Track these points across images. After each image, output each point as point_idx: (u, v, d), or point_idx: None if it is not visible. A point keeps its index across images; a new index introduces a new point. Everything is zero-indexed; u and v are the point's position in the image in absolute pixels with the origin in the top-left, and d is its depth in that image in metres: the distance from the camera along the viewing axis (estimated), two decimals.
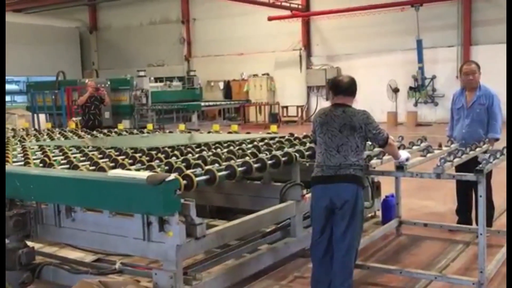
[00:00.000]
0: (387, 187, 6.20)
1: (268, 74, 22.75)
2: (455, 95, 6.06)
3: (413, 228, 5.94)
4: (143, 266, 4.38)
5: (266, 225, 5.06)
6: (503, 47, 17.84)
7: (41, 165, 4.89)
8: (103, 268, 4.34)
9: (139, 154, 5.32)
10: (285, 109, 22.14)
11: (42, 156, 5.36)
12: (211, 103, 21.47)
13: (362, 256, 5.10)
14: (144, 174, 3.82)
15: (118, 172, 4.08)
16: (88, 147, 6.08)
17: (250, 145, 5.81)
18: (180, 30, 25.56)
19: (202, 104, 20.51)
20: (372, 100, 19.98)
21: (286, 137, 6.34)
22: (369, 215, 6.37)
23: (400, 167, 4.40)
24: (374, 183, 6.19)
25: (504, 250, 4.81)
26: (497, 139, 5.72)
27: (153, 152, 5.34)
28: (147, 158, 5.11)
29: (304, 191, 4.98)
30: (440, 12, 18.87)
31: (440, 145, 5.36)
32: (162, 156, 5.18)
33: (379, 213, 6.33)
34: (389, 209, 6.10)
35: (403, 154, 4.38)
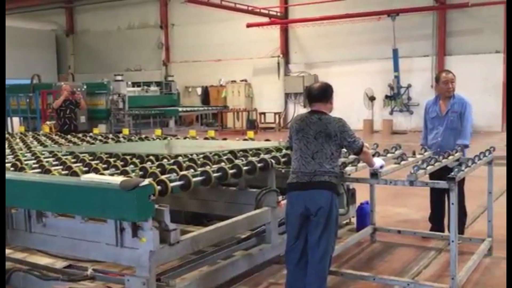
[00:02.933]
0: (362, 194, 6.25)
1: (246, 81, 22.79)
2: (428, 104, 6.14)
3: (387, 235, 5.99)
4: (115, 272, 4.32)
5: (241, 231, 5.04)
6: (476, 57, 18.29)
7: (12, 168, 4.80)
8: (75, 275, 4.27)
9: (114, 159, 5.26)
10: (262, 116, 22.18)
11: (13, 160, 5.26)
12: (188, 109, 21.39)
13: (336, 262, 5.13)
14: (117, 179, 3.78)
15: (91, 177, 4.02)
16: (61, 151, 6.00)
17: (226, 151, 5.80)
18: (158, 35, 25.45)
19: (180, 109, 20.40)
20: (349, 108, 20.18)
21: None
22: (344, 222, 6.40)
23: (375, 174, 4.44)
24: (349, 190, 6.23)
25: (475, 257, 4.88)
26: (466, 146, 5.81)
27: (128, 157, 5.29)
28: (122, 163, 5.06)
29: (280, 198, 4.99)
30: (415, 22, 19.17)
31: (414, 153, 5.42)
32: (137, 161, 5.14)
33: (354, 220, 6.37)
34: (364, 216, 6.14)
35: (378, 161, 4.42)
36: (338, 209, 4.17)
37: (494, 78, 18.24)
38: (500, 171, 9.37)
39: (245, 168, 4.87)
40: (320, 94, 4.20)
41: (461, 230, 5.60)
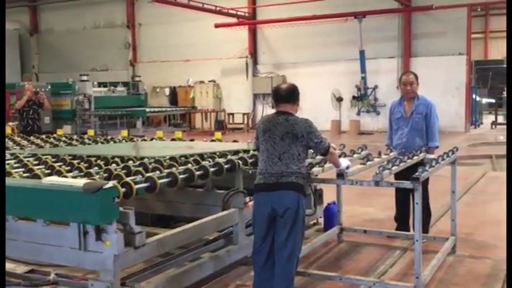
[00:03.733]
0: (329, 194, 6.29)
1: (214, 81, 22.73)
2: (393, 105, 6.22)
3: (353, 235, 6.04)
4: (79, 276, 4.23)
5: (208, 233, 5.01)
6: (441, 59, 18.67)
7: None
8: (36, 280, 4.17)
9: (77, 161, 5.15)
10: (231, 116, 22.15)
11: None
12: (156, 109, 21.22)
13: (303, 263, 5.14)
14: (80, 182, 3.70)
15: (53, 180, 3.92)
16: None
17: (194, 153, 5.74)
18: (125, 35, 25.15)
19: (147, 110, 20.22)
20: (317, 109, 20.35)
21: None
22: (311, 222, 6.43)
23: (341, 175, 4.46)
24: (316, 191, 6.26)
25: (439, 255, 4.96)
26: (436, 147, 5.91)
27: (92, 159, 5.18)
28: (86, 165, 4.96)
29: (247, 199, 4.98)
30: (382, 24, 19.46)
31: (379, 153, 5.48)
32: (101, 163, 5.04)
33: (321, 220, 6.40)
34: (331, 216, 6.18)
35: (344, 162, 4.45)
36: (305, 210, 4.18)
37: (457, 80, 18.67)
38: (463, 171, 9.61)
39: (212, 169, 4.83)
40: (287, 95, 4.20)
41: (425, 229, 5.69)
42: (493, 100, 23.36)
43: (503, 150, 13.95)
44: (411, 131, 5.95)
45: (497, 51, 34.94)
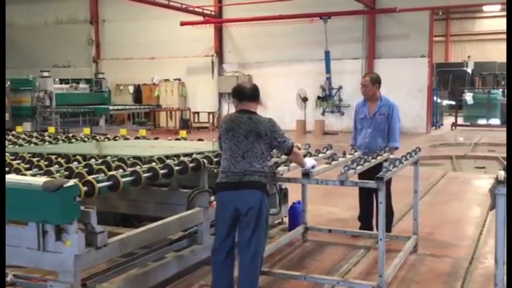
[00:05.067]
0: (295, 194, 6.30)
1: (179, 80, 22.53)
2: (358, 105, 6.30)
3: (318, 234, 6.08)
4: (37, 278, 4.10)
5: (172, 233, 4.95)
6: (404, 61, 19.00)
7: None
8: None
9: (37, 159, 5.01)
10: (196, 115, 22.01)
11: None
12: (120, 107, 20.88)
13: (268, 262, 5.14)
14: (40, 180, 3.60)
15: (12, 178, 3.80)
16: None
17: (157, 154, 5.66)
18: (88, 31, 24.66)
19: (111, 108, 19.89)
20: (282, 108, 20.45)
21: None
22: (276, 221, 6.45)
23: (306, 174, 4.47)
24: (281, 190, 6.26)
25: (401, 254, 5.03)
26: (396, 148, 6.00)
27: (53, 157, 5.05)
28: (46, 163, 4.83)
29: (212, 198, 4.92)
30: (347, 26, 19.66)
31: (344, 153, 5.52)
32: (62, 161, 4.92)
33: (286, 219, 6.41)
34: (296, 215, 6.20)
35: (309, 161, 4.46)
36: (268, 209, 4.17)
37: (419, 82, 19.03)
38: (425, 171, 9.80)
39: (176, 168, 4.77)
40: (252, 93, 4.20)
41: (388, 228, 5.77)
42: (453, 102, 23.90)
43: (462, 151, 14.33)
44: (374, 131, 6.03)
45: (458, 54, 35.88)
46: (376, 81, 6.06)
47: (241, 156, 4.00)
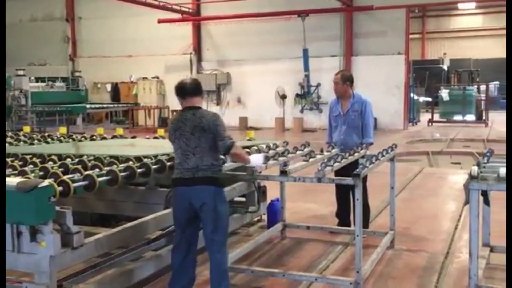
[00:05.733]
0: (274, 191, 6.32)
1: (158, 78, 22.38)
2: (332, 103, 6.37)
3: (296, 231, 6.10)
4: (12, 279, 4.04)
5: (150, 232, 4.92)
6: (381, 58, 19.16)
7: None
8: None
9: (11, 159, 4.93)
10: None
11: None
12: (97, 106, 20.66)
13: (247, 260, 5.16)
14: (14, 180, 3.55)
15: None
16: None
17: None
18: (64, 29, 24.34)
19: (88, 106, 19.67)
20: (261, 106, 20.49)
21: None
22: (255, 219, 6.46)
23: (284, 172, 4.49)
24: (260, 188, 6.28)
25: (378, 250, 5.08)
26: (371, 144, 6.05)
27: (28, 157, 4.98)
28: (20, 163, 4.76)
29: None
30: (325, 23, 19.75)
31: (321, 150, 5.56)
32: (37, 161, 4.85)
33: (265, 217, 6.43)
34: (275, 213, 6.21)
35: (255, 158, 4.41)
36: (225, 202, 4.18)
37: (397, 79, 19.22)
38: (402, 167, 9.92)
39: (154, 167, 4.75)
40: (194, 88, 4.20)
41: (365, 224, 5.84)
42: (429, 99, 24.21)
43: (439, 147, 14.53)
44: (348, 128, 6.09)
45: (434, 51, 36.34)
46: (347, 79, 6.13)
47: (191, 153, 4.01)
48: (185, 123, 4.05)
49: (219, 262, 4.05)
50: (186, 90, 4.16)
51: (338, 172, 5.07)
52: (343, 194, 6.09)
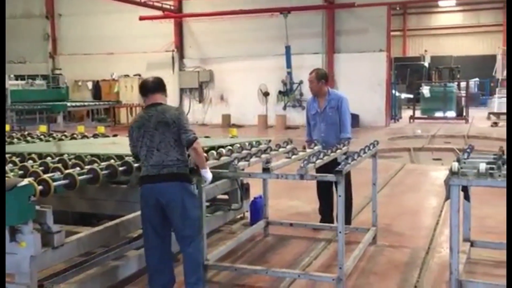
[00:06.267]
0: (256, 188, 6.32)
1: (140, 75, 22.16)
2: (309, 102, 6.40)
3: (279, 228, 6.11)
4: None
5: (132, 231, 4.89)
6: (363, 55, 19.26)
7: None
8: None
9: None
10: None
11: None
12: (78, 104, 20.45)
13: (230, 258, 5.15)
14: None
15: None
16: None
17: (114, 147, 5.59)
18: (44, 26, 24.02)
19: (69, 104, 19.46)
20: (244, 104, 20.48)
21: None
22: (238, 216, 6.46)
23: (266, 169, 4.49)
24: (243, 185, 6.28)
25: (361, 246, 5.12)
26: (348, 138, 6.08)
27: (7, 155, 4.91)
28: None
29: None
30: (307, 20, 19.79)
31: (304, 147, 5.57)
32: (17, 159, 4.79)
33: (248, 214, 6.43)
34: (257, 210, 6.22)
35: (208, 173, 4.18)
36: (194, 196, 4.17)
37: (378, 76, 19.33)
38: (384, 164, 9.99)
39: (135, 165, 4.71)
40: (156, 85, 4.21)
41: (348, 220, 5.89)
42: (411, 96, 24.41)
43: (420, 143, 14.67)
44: (327, 125, 6.12)
45: (415, 48, 36.67)
46: (321, 77, 6.15)
47: (156, 149, 4.00)
48: (149, 119, 4.04)
49: (191, 256, 4.06)
50: (148, 88, 4.17)
51: (319, 170, 5.08)
52: (324, 191, 6.12)
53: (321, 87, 6.14)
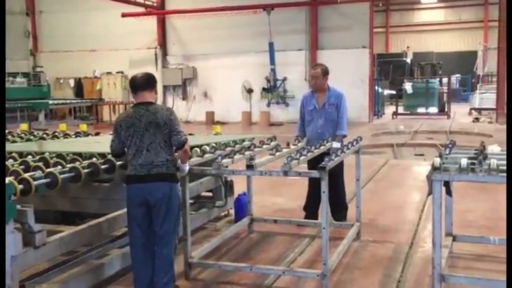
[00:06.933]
0: (240, 185, 6.31)
1: (122, 72, 22.04)
2: (305, 97, 6.31)
3: (264, 225, 6.11)
4: None
5: (116, 229, 4.85)
6: (346, 52, 19.34)
7: None
8: None
9: None
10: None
11: None
12: (60, 101, 20.24)
13: (214, 255, 5.14)
14: None
15: None
16: None
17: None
18: (24, 23, 23.70)
19: (50, 102, 19.25)
20: (228, 101, 20.44)
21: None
22: (223, 213, 6.45)
23: (250, 166, 4.48)
24: (227, 182, 6.27)
25: (345, 242, 5.14)
26: (344, 136, 6.10)
27: None
28: None
29: None
30: (290, 17, 19.81)
31: (288, 144, 5.57)
32: None
33: (232, 211, 6.42)
34: (242, 207, 6.21)
35: (186, 166, 4.32)
36: (179, 197, 4.17)
37: (361, 72, 19.44)
38: (367, 159, 10.04)
39: (118, 163, 4.68)
40: (145, 82, 4.10)
41: (343, 216, 6.04)
42: (393, 92, 24.60)
43: (403, 139, 14.79)
44: (325, 122, 6.09)
45: (397, 45, 36.94)
46: (326, 73, 6.15)
47: (146, 149, 3.96)
48: (140, 119, 3.96)
49: (165, 256, 4.04)
50: (136, 85, 4.07)
51: (313, 166, 5.07)
52: (314, 187, 6.12)
53: (325, 82, 6.14)
